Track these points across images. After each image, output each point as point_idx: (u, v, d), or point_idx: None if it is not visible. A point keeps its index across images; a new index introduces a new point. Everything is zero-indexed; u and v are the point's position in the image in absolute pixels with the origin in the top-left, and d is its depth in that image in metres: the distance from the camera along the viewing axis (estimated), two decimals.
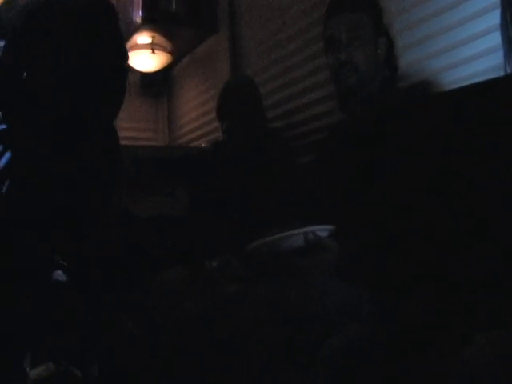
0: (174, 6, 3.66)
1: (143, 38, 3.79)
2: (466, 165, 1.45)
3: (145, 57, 3.93)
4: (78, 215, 1.59)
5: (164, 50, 3.95)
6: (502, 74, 1.68)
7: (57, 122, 1.53)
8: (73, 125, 1.54)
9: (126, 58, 1.69)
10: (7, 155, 1.54)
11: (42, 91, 1.53)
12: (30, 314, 1.70)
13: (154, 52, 3.88)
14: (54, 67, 1.54)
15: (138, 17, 3.61)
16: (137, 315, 1.89)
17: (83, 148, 1.57)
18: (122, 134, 1.84)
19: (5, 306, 1.54)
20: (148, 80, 4.50)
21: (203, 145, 3.63)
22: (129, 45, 3.84)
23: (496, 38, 1.70)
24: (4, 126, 1.53)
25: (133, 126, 4.36)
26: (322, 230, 1.42)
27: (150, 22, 3.62)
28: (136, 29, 3.68)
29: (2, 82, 1.56)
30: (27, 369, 1.71)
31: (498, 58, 1.72)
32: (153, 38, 3.79)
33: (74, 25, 1.56)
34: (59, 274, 1.84)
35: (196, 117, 4.08)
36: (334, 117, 2.34)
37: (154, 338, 1.81)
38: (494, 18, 1.71)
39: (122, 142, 1.86)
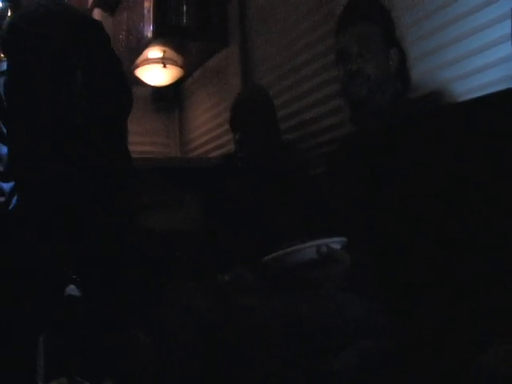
0: (184, 21, 3.68)
1: (154, 52, 3.81)
2: (478, 175, 1.45)
3: (156, 71, 3.95)
4: (78, 215, 1.60)
5: (175, 63, 3.97)
6: None
7: (55, 123, 1.55)
8: (71, 126, 1.56)
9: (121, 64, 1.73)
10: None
11: (40, 94, 1.55)
12: (39, 321, 1.71)
13: (165, 66, 3.90)
14: (53, 71, 1.56)
15: (149, 31, 3.64)
16: (148, 325, 1.89)
17: (82, 149, 1.58)
18: (132, 148, 1.84)
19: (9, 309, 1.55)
20: (159, 94, 4.52)
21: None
22: (140, 59, 3.88)
23: (509, 48, 1.70)
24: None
25: (144, 140, 4.37)
26: (335, 243, 1.41)
27: (161, 36, 3.65)
28: (147, 43, 3.70)
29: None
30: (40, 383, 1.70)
31: (511, 68, 1.72)
32: (164, 52, 3.81)
33: (72, 31, 1.59)
34: (72, 289, 1.84)
35: (207, 130, 4.08)
36: (345, 129, 2.34)
37: (165, 348, 1.80)
38: (507, 27, 1.70)
39: (133, 156, 1.86)
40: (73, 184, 1.57)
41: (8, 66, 1.58)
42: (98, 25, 1.70)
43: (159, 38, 3.64)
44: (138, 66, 3.95)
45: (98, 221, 1.64)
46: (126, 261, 1.78)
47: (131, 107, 1.75)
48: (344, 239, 1.42)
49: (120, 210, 1.72)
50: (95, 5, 4.62)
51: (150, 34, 3.63)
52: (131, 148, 1.83)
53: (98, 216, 1.64)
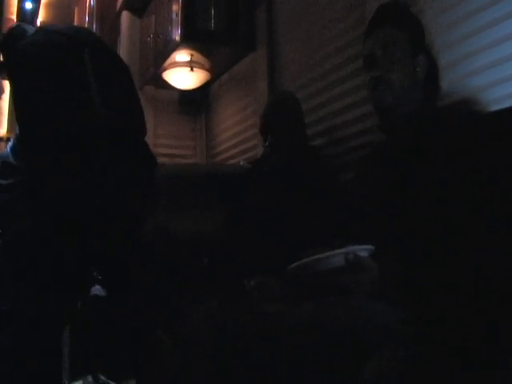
0: (212, 25, 3.71)
1: (182, 55, 3.84)
2: (510, 183, 1.43)
3: (183, 74, 3.98)
4: (82, 217, 1.62)
5: (202, 67, 4.00)
6: None
7: (55, 135, 1.59)
8: (70, 137, 1.59)
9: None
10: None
11: (42, 107, 1.59)
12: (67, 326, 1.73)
13: (192, 70, 3.92)
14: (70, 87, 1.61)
15: (177, 35, 3.67)
16: (172, 329, 1.90)
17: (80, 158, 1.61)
18: (159, 150, 1.87)
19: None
20: (186, 97, 4.55)
21: (241, 163, 3.62)
22: (167, 62, 3.91)
23: None
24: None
25: (171, 143, 4.40)
26: (363, 250, 1.40)
27: (189, 39, 3.68)
28: (175, 47, 3.73)
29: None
30: (66, 382, 1.72)
31: None
32: (191, 55, 3.84)
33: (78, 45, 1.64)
34: (98, 289, 1.86)
35: (234, 134, 4.10)
36: (375, 135, 2.33)
37: (188, 352, 1.80)
38: None
39: (160, 159, 1.88)
40: (80, 196, 1.61)
41: (22, 88, 1.63)
42: (97, 35, 1.78)
43: (187, 41, 3.67)
44: (165, 69, 3.99)
45: (102, 221, 1.67)
46: (137, 263, 1.80)
47: (143, 117, 1.78)
48: (371, 247, 1.41)
49: (129, 213, 1.74)
50: (123, 7, 4.67)
51: (177, 38, 3.66)
52: (158, 150, 1.86)
53: (102, 217, 1.66)
